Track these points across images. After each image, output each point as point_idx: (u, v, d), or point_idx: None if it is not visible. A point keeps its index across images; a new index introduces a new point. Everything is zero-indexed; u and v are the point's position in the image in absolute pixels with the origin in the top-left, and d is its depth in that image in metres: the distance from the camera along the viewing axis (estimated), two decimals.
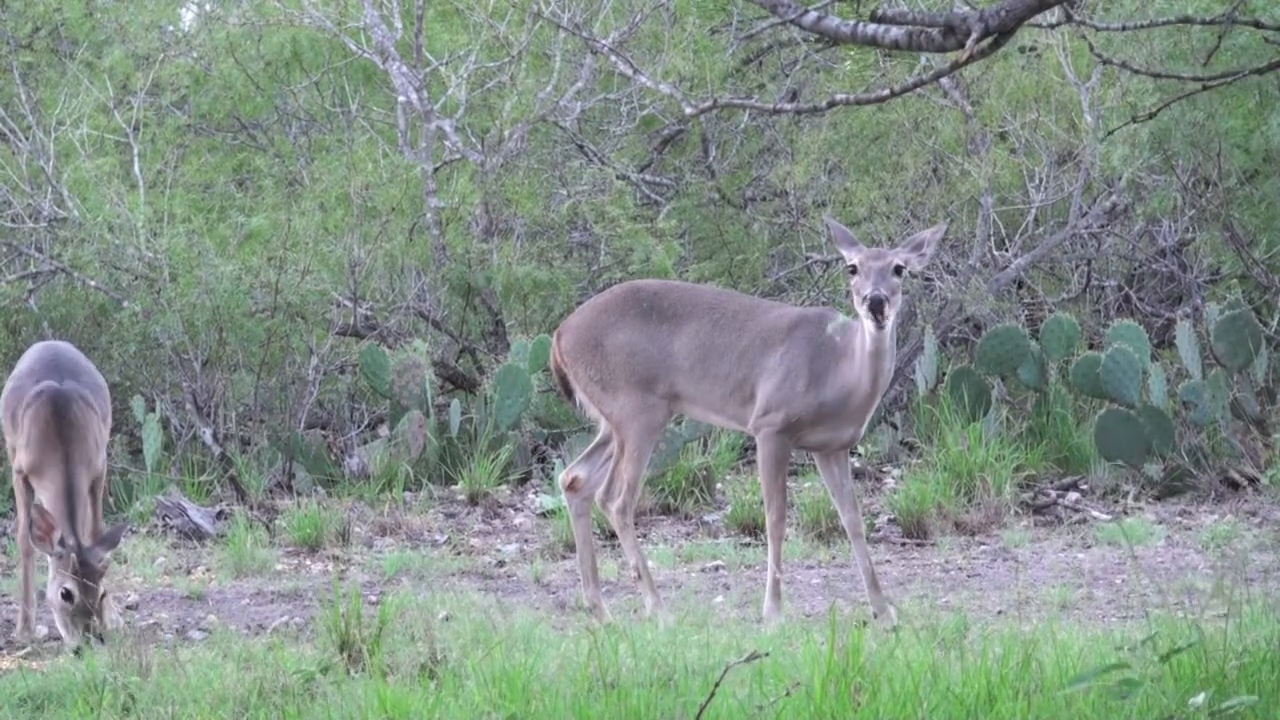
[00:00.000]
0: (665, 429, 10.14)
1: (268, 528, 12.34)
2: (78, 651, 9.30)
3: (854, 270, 9.44)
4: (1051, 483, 13.19)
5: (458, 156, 15.22)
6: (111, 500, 13.10)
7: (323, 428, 14.33)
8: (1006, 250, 15.17)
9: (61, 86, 15.36)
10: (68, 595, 9.53)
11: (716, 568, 11.44)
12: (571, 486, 10.07)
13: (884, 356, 9.54)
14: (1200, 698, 6.49)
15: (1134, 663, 6.64)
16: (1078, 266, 15.42)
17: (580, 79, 15.55)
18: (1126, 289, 15.34)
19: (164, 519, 12.54)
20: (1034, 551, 11.71)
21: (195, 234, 14.43)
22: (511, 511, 13.11)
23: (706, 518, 12.75)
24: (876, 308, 9.32)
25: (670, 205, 16.05)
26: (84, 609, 9.54)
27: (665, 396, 9.88)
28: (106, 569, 9.65)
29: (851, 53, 15.99)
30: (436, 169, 15.11)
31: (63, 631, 9.61)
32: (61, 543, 9.60)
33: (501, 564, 11.73)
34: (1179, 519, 12.50)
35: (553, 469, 13.45)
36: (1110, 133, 14.09)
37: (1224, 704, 6.40)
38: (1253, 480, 12.94)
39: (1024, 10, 6.85)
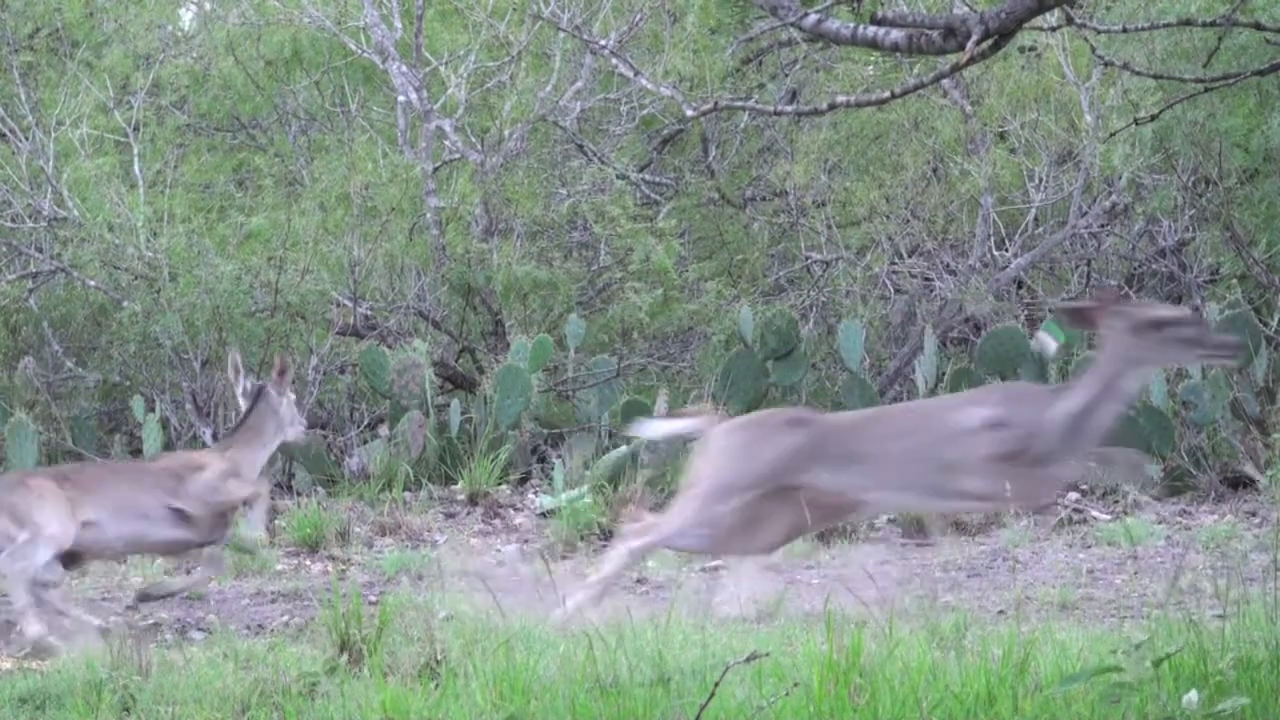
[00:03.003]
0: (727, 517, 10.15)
1: (268, 528, 12.34)
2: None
3: (1163, 324, 10.05)
4: None
5: (457, 156, 15.21)
6: None
7: (323, 428, 14.32)
8: (1006, 250, 15.17)
9: (61, 86, 15.35)
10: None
11: (716, 567, 11.44)
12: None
13: None
14: (1192, 696, 6.48)
15: (1128, 666, 6.64)
16: (1078, 266, 15.41)
17: (580, 79, 15.55)
18: (1126, 289, 15.33)
19: None
20: (1034, 551, 11.70)
21: (195, 234, 14.43)
22: (511, 511, 13.11)
23: None
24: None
25: (670, 205, 16.04)
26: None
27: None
28: None
29: (874, 58, 15.98)
30: (436, 169, 15.10)
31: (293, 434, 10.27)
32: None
33: (501, 564, 11.73)
34: (1179, 519, 12.50)
35: (552, 469, 13.44)
36: (1112, 134, 14.08)
37: (1217, 706, 6.40)
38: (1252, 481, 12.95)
39: (1024, 12, 6.86)
